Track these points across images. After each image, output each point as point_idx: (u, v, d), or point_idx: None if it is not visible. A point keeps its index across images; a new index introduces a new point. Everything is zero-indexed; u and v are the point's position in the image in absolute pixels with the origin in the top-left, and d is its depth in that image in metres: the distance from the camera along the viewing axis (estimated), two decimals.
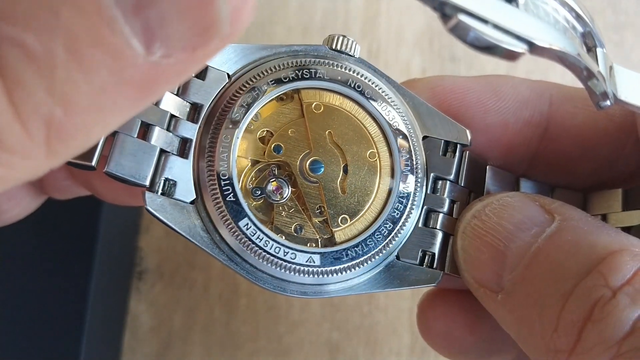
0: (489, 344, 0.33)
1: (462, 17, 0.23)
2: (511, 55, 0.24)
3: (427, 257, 0.35)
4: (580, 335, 0.28)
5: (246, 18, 0.22)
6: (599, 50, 0.30)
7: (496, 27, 0.24)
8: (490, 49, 0.24)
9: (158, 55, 0.21)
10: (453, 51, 0.62)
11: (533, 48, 0.25)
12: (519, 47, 0.24)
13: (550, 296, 0.30)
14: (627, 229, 0.37)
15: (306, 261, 0.33)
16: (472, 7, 0.23)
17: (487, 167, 0.38)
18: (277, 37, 0.61)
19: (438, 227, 0.35)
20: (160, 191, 0.32)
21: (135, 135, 0.31)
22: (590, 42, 0.30)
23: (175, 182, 0.32)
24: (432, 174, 0.36)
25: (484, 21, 0.24)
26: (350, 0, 0.63)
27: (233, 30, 0.22)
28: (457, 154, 0.36)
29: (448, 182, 0.36)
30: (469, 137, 0.36)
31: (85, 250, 0.48)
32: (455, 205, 0.36)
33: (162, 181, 0.32)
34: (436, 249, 0.35)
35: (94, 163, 0.30)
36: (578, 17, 0.29)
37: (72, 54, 0.20)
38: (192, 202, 0.33)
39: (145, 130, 0.31)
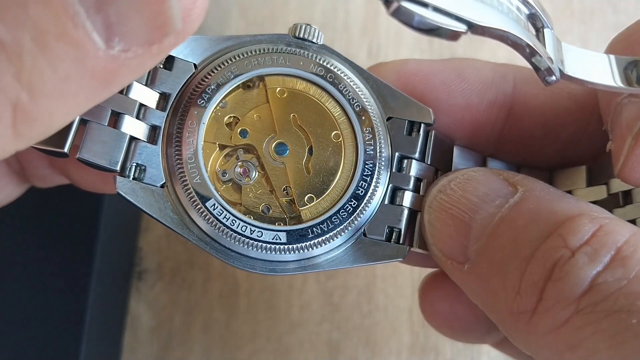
0: (489, 321, 0.34)
1: (403, 3, 0.25)
2: (454, 36, 0.26)
3: (394, 233, 0.36)
4: (542, 295, 0.29)
5: (197, 16, 0.25)
6: (546, 30, 0.31)
7: (436, 9, 0.25)
8: (433, 30, 0.26)
9: (117, 49, 0.23)
10: (453, 51, 0.62)
11: (473, 28, 0.26)
12: (459, 28, 0.26)
13: (512, 262, 0.31)
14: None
15: (272, 239, 0.34)
16: None
17: (455, 146, 0.39)
18: None
19: (404, 204, 0.36)
20: (131, 176, 0.33)
21: (106, 124, 0.32)
22: (538, 23, 0.31)
23: (145, 167, 0.34)
24: (397, 153, 0.37)
25: (425, 5, 0.25)
26: (350, 0, 0.63)
27: (186, 27, 0.24)
28: (422, 133, 0.37)
29: (413, 160, 0.37)
30: (432, 116, 0.37)
31: (85, 250, 0.48)
32: (422, 183, 0.37)
33: (133, 166, 0.33)
34: (402, 225, 0.36)
35: (66, 149, 0.31)
36: (524, 0, 0.30)
37: (38, 45, 0.22)
38: (162, 186, 0.34)
39: (115, 119, 0.33)
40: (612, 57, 0.32)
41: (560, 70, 0.31)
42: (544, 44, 0.31)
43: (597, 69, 0.32)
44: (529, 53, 0.29)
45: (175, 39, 0.25)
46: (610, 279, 0.28)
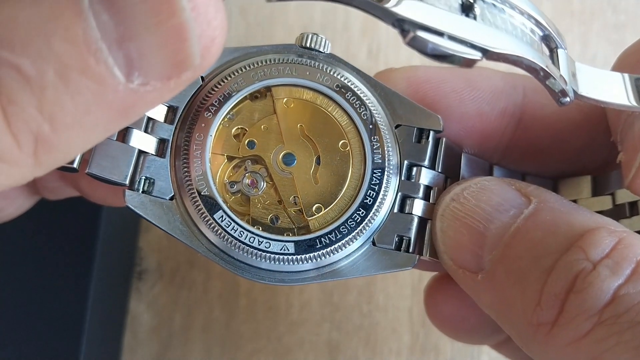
0: (493, 324, 0.34)
1: (419, 32, 0.25)
2: (468, 63, 0.26)
3: (403, 242, 0.36)
4: (563, 307, 0.29)
5: (215, 53, 0.25)
6: (560, 51, 0.32)
7: (451, 38, 0.26)
8: (447, 57, 0.26)
9: (137, 83, 0.24)
10: None
11: (488, 54, 0.27)
12: (474, 55, 0.26)
13: (531, 273, 0.31)
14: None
15: (280, 249, 0.34)
16: (428, 23, 0.25)
17: (462, 154, 0.39)
18: (276, 37, 0.61)
19: (413, 212, 0.36)
20: (141, 189, 0.34)
21: (115, 138, 0.33)
22: (552, 43, 0.32)
23: (154, 180, 0.34)
24: (405, 161, 0.37)
25: (440, 34, 0.25)
26: None
27: (203, 63, 0.25)
28: (431, 140, 0.37)
29: (423, 168, 0.37)
30: (441, 123, 0.37)
31: (85, 250, 0.48)
32: (432, 191, 0.37)
33: (142, 180, 0.34)
34: (412, 234, 0.36)
35: (75, 165, 0.32)
36: (537, 22, 0.31)
37: (61, 79, 0.23)
38: (171, 199, 0.34)
39: (124, 133, 0.33)
40: (626, 75, 0.32)
41: (574, 90, 0.31)
42: (557, 65, 0.31)
43: (611, 88, 0.32)
44: (542, 76, 0.29)
45: (193, 74, 0.25)
46: (633, 290, 0.28)
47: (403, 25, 0.25)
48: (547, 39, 0.31)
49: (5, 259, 0.48)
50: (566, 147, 0.41)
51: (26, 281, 0.48)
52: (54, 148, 0.24)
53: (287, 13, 0.62)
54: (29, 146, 0.24)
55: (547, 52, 0.31)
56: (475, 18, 0.27)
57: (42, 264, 0.48)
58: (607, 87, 0.32)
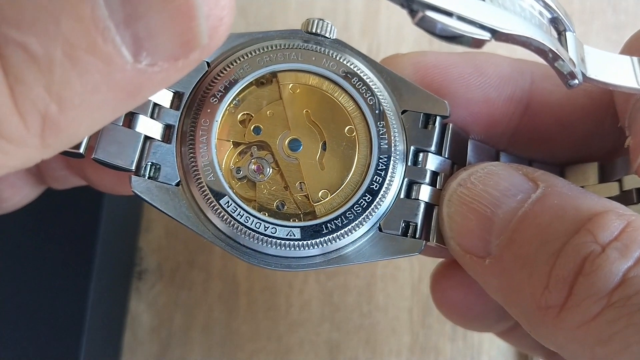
0: (499, 310, 0.34)
1: (428, 12, 0.25)
2: (477, 43, 0.26)
3: (410, 228, 0.36)
4: (572, 290, 0.29)
5: (223, 33, 0.25)
6: (568, 33, 0.31)
7: (460, 18, 0.25)
8: (456, 38, 0.26)
9: (144, 63, 0.24)
10: (452, 49, 0.62)
11: (497, 35, 0.26)
12: (483, 35, 0.26)
13: (539, 256, 0.31)
14: None
15: (286, 235, 0.34)
16: (437, 3, 0.25)
17: (469, 140, 0.39)
18: None
19: (420, 198, 0.36)
20: (147, 175, 0.34)
21: (121, 124, 0.33)
22: (560, 26, 0.31)
23: (160, 166, 0.34)
24: (412, 147, 0.37)
25: (449, 14, 0.25)
26: (350, 0, 0.63)
27: (211, 43, 0.25)
28: (438, 126, 0.37)
29: (429, 154, 0.37)
30: (448, 109, 0.37)
31: (85, 250, 0.48)
32: (439, 177, 0.37)
33: (148, 165, 0.34)
34: (419, 220, 0.36)
35: (82, 150, 0.32)
36: (545, 4, 0.30)
37: (69, 58, 0.23)
38: (177, 185, 0.34)
39: (130, 119, 0.33)
40: (635, 59, 0.32)
41: (582, 73, 0.31)
42: (566, 47, 0.31)
43: (620, 71, 0.32)
44: (551, 58, 0.29)
45: (201, 54, 0.25)
46: None
47: (412, 5, 0.25)
48: (555, 21, 0.31)
49: (6, 259, 0.48)
50: (573, 134, 0.40)
51: (26, 281, 0.48)
52: (62, 129, 0.24)
53: (287, 13, 0.62)
54: (36, 127, 0.24)
55: (555, 34, 0.31)
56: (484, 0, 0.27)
57: (42, 263, 0.48)
58: (615, 70, 0.32)
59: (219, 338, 0.56)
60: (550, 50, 0.28)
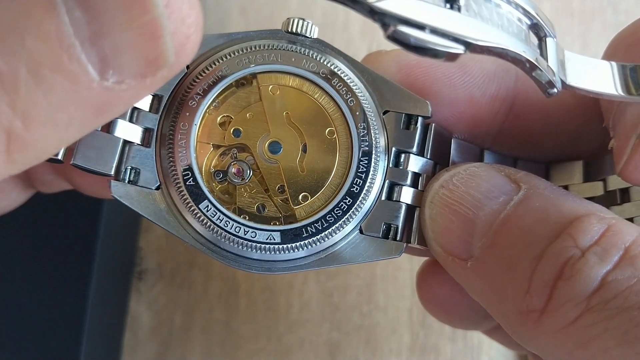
0: (485, 309, 0.34)
1: (400, 26, 0.24)
2: (451, 57, 0.25)
3: (391, 230, 0.36)
4: (552, 294, 0.29)
5: (191, 50, 0.25)
6: (549, 39, 0.31)
7: (433, 31, 0.25)
8: (429, 51, 0.25)
9: (111, 81, 0.24)
10: None
11: (471, 47, 0.26)
12: (457, 49, 0.25)
13: (521, 260, 0.31)
14: (589, 200, 0.37)
15: (266, 239, 0.34)
16: (409, 16, 0.24)
17: (452, 139, 0.38)
18: None
19: (401, 200, 0.36)
20: (126, 179, 0.33)
21: (99, 129, 0.33)
22: (541, 32, 0.31)
23: (140, 170, 0.34)
24: (394, 148, 0.36)
25: (421, 27, 0.25)
26: None
27: (178, 61, 0.25)
28: (419, 126, 0.36)
29: (411, 155, 0.36)
30: (430, 109, 0.36)
31: (85, 250, 0.48)
32: (421, 178, 0.36)
33: (128, 170, 0.33)
34: (400, 222, 0.36)
35: (60, 156, 0.32)
36: (525, 11, 0.30)
37: (34, 76, 0.23)
38: (157, 188, 0.34)
39: (109, 124, 0.33)
40: (614, 64, 0.32)
41: (562, 80, 0.30)
42: (546, 54, 0.31)
43: (599, 77, 0.31)
44: (529, 68, 0.28)
45: (169, 72, 0.25)
46: (620, 277, 0.28)
47: (384, 19, 0.24)
48: (535, 27, 0.31)
49: (6, 259, 0.48)
50: (559, 132, 0.40)
51: (26, 281, 0.48)
52: (28, 145, 0.24)
53: (287, 13, 0.62)
54: (1, 143, 0.23)
55: (535, 41, 0.31)
56: (459, 9, 0.26)
57: (42, 264, 0.48)
58: (596, 77, 0.31)
59: (219, 338, 0.56)
60: (527, 60, 0.28)
